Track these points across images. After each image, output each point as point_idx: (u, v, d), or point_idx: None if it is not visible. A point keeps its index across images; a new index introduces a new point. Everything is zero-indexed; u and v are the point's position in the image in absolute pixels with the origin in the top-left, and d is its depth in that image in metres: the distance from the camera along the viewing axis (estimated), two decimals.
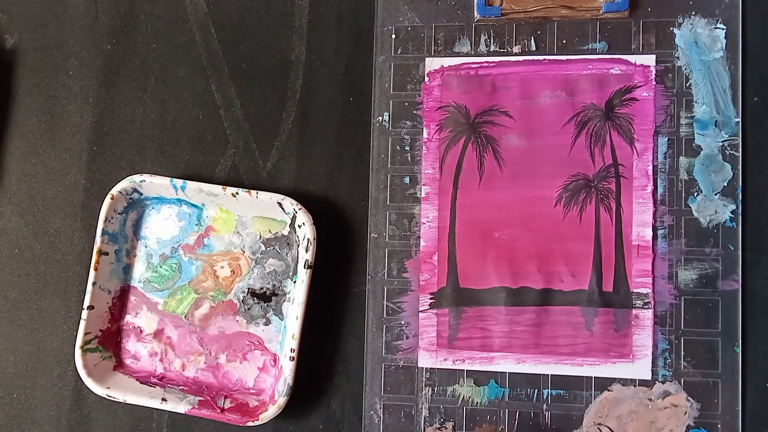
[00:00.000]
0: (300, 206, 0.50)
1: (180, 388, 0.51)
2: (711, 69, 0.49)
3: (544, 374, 0.49)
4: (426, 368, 0.50)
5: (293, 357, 0.48)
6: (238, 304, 0.52)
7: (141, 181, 0.51)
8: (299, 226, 0.50)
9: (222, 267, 0.52)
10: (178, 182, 0.51)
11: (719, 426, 0.48)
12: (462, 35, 0.52)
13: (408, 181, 0.51)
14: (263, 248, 0.52)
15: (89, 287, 0.51)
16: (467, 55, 0.51)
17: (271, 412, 0.48)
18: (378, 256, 0.51)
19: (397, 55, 0.52)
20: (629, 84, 0.50)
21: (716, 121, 0.49)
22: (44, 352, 0.54)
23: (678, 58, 0.50)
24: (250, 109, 0.54)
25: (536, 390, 0.49)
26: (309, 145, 0.53)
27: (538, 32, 0.51)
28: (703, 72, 0.50)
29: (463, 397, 0.50)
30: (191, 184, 0.51)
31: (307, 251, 0.49)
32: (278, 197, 0.50)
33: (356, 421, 0.51)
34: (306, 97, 0.53)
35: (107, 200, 0.51)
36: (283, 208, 0.50)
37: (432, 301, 0.51)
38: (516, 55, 0.51)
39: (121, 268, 0.53)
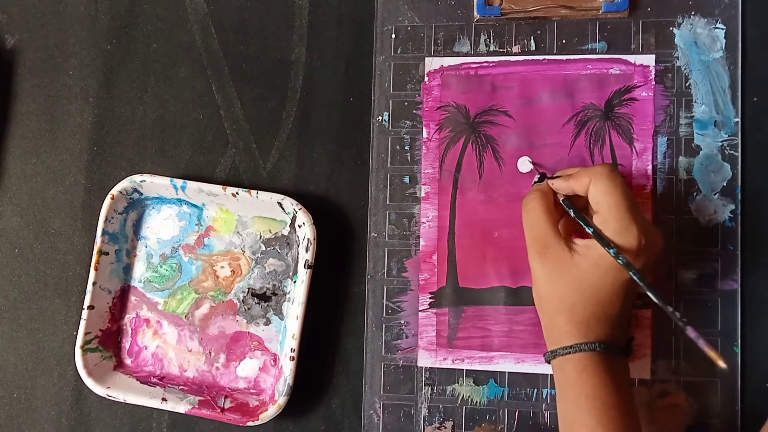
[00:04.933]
0: (300, 206, 0.50)
1: (180, 388, 0.51)
2: (710, 69, 0.50)
3: (543, 374, 0.49)
4: (425, 368, 0.50)
5: (293, 357, 0.48)
6: (238, 304, 0.52)
7: (141, 181, 0.51)
8: (299, 226, 0.50)
9: (222, 267, 0.52)
10: (179, 182, 0.51)
11: (718, 426, 0.48)
12: (462, 35, 0.52)
13: (408, 181, 0.51)
14: (263, 248, 0.52)
15: (89, 287, 0.51)
16: (467, 54, 0.52)
17: (271, 411, 0.48)
18: (378, 256, 0.51)
19: (396, 54, 0.52)
20: (629, 84, 0.50)
21: (716, 121, 0.49)
22: (44, 352, 0.54)
23: (677, 58, 0.50)
24: (250, 109, 0.54)
25: (535, 389, 0.49)
26: (309, 145, 0.53)
27: (538, 32, 0.51)
28: (703, 72, 0.50)
29: (463, 397, 0.50)
30: (191, 184, 0.51)
31: (307, 251, 0.49)
32: (278, 197, 0.50)
33: (356, 420, 0.51)
34: (306, 97, 0.53)
35: (107, 200, 0.51)
36: (283, 208, 0.50)
37: (431, 300, 0.51)
38: (516, 54, 0.51)
39: (122, 268, 0.53)
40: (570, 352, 0.41)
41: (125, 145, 0.54)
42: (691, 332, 0.38)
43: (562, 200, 0.44)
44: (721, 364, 0.37)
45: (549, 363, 0.43)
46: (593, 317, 0.41)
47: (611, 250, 0.40)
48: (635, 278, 0.39)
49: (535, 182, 0.48)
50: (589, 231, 0.41)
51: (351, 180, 0.52)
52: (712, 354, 0.37)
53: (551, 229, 0.42)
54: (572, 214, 0.43)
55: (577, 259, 0.41)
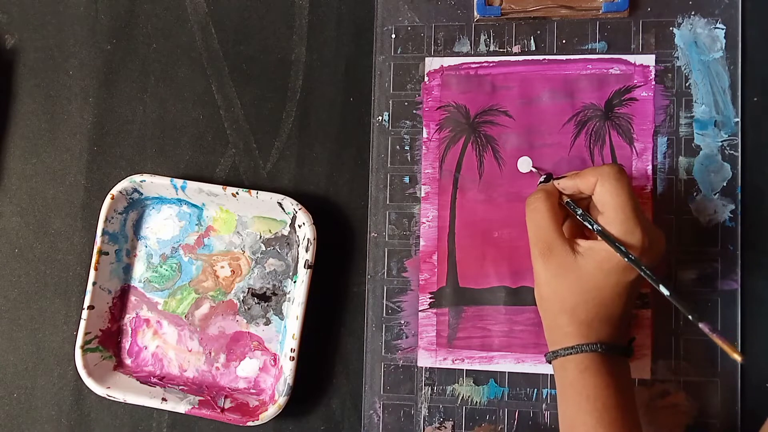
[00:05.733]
0: (300, 206, 0.50)
1: (180, 388, 0.51)
2: (710, 69, 0.50)
3: (543, 374, 0.49)
4: (425, 368, 0.50)
5: (293, 357, 0.48)
6: (238, 304, 0.52)
7: (141, 181, 0.51)
8: (299, 226, 0.50)
9: (222, 267, 0.52)
10: (179, 182, 0.51)
11: (718, 425, 0.48)
12: (462, 35, 0.52)
13: (408, 181, 0.51)
14: (263, 248, 0.52)
15: (89, 287, 0.51)
16: (467, 54, 0.52)
17: (271, 411, 0.48)
18: (378, 256, 0.51)
19: (396, 55, 0.52)
20: (629, 84, 0.50)
21: (716, 121, 0.49)
22: (44, 352, 0.54)
23: (677, 58, 0.50)
24: (250, 109, 0.54)
25: (535, 389, 0.49)
26: (309, 145, 0.53)
27: (538, 32, 0.51)
28: (703, 72, 0.50)
29: (463, 397, 0.50)
30: (191, 184, 0.51)
31: (307, 251, 0.49)
32: (278, 197, 0.50)
33: (356, 420, 0.51)
34: (306, 97, 0.53)
35: (107, 200, 0.51)
36: (283, 208, 0.50)
37: (431, 300, 0.51)
38: (516, 54, 0.51)
39: (122, 268, 0.53)
40: (572, 353, 0.41)
41: (125, 145, 0.54)
42: (704, 327, 0.38)
43: (566, 202, 0.44)
44: (738, 357, 0.36)
45: (550, 363, 0.43)
46: (596, 318, 0.41)
47: (620, 249, 0.40)
48: (644, 275, 0.39)
49: (540, 183, 0.47)
50: (595, 231, 0.41)
51: (351, 180, 0.52)
52: (727, 348, 0.37)
53: (556, 230, 0.42)
54: (577, 214, 0.43)
55: (581, 261, 0.41)
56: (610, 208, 0.41)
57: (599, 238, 0.41)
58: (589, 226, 0.42)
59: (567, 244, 0.42)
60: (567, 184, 0.44)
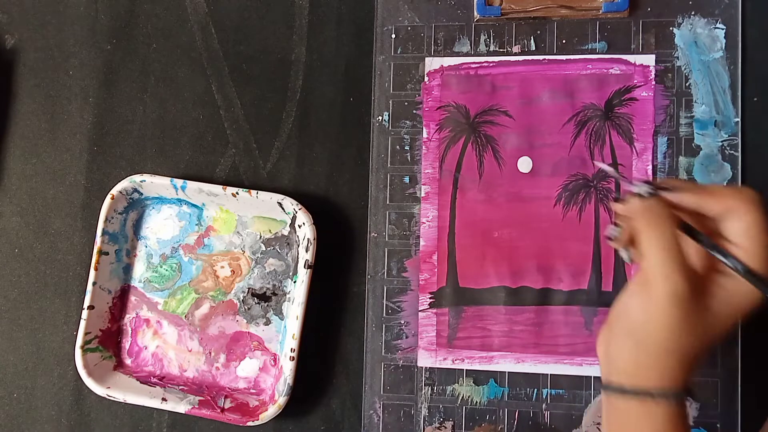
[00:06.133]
0: (300, 206, 0.50)
1: (180, 388, 0.51)
2: (710, 69, 0.49)
3: (543, 374, 0.49)
4: (425, 368, 0.50)
5: (293, 357, 0.48)
6: (238, 304, 0.52)
7: (141, 181, 0.51)
8: (299, 226, 0.50)
9: (222, 267, 0.52)
10: (179, 182, 0.51)
11: (718, 426, 0.48)
12: (462, 35, 0.52)
13: (408, 181, 0.51)
14: (263, 248, 0.52)
15: (89, 287, 0.51)
16: (467, 54, 0.52)
17: (271, 411, 0.48)
18: (378, 256, 0.51)
19: (396, 54, 0.52)
20: (629, 84, 0.50)
21: (716, 120, 0.49)
22: (44, 352, 0.54)
23: (677, 58, 0.50)
24: (250, 109, 0.54)
25: (536, 389, 0.49)
26: (309, 145, 0.53)
27: (538, 32, 0.51)
28: (703, 72, 0.50)
29: (463, 397, 0.50)
30: (191, 184, 0.51)
31: (307, 251, 0.49)
32: (278, 197, 0.50)
33: (356, 420, 0.51)
34: (306, 97, 0.53)
35: (107, 200, 0.51)
36: (283, 208, 0.50)
37: (431, 300, 0.51)
38: (516, 54, 0.51)
39: (122, 268, 0.53)
40: (667, 396, 0.35)
41: (125, 145, 0.54)
42: None
43: (683, 226, 0.35)
44: None
45: (612, 392, 0.36)
46: (700, 360, 0.35)
47: None
48: None
49: (638, 193, 0.36)
50: (734, 268, 0.34)
51: (351, 180, 0.52)
52: None
53: (686, 262, 0.34)
54: (703, 244, 0.35)
55: (714, 304, 0.34)
56: (757, 243, 0.34)
57: (730, 271, 0.35)
58: (725, 262, 0.34)
59: (700, 282, 0.34)
60: (689, 201, 0.35)
